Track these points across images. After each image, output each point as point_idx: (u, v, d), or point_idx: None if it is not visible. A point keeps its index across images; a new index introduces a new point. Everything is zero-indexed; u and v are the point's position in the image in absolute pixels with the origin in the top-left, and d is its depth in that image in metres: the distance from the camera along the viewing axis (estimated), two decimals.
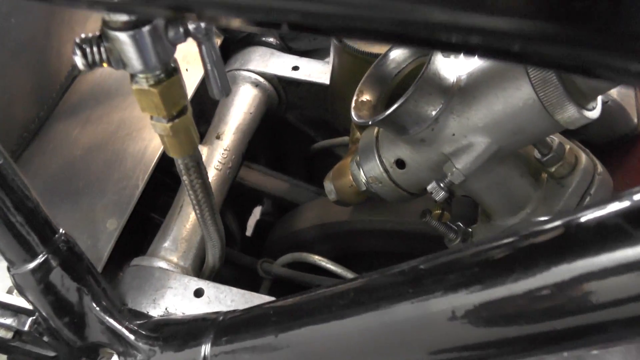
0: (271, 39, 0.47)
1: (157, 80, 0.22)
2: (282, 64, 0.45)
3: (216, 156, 0.40)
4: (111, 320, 0.29)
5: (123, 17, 0.20)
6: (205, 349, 0.25)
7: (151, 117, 0.24)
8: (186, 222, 0.36)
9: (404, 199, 0.31)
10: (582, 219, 0.16)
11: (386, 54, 0.29)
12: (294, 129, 0.49)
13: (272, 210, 0.54)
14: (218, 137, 0.41)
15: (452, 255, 0.19)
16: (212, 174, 0.40)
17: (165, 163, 0.38)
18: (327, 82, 0.43)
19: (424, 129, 0.27)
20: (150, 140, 0.40)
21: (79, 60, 0.21)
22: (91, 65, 0.22)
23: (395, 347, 0.20)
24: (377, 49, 0.33)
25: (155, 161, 0.38)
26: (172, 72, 0.23)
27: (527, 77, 0.23)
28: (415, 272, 0.19)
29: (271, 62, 0.45)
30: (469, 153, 0.26)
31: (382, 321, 0.19)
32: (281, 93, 0.45)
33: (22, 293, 0.28)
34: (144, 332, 0.28)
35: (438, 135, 0.27)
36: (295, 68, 0.45)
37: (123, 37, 0.20)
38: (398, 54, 0.29)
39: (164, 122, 0.24)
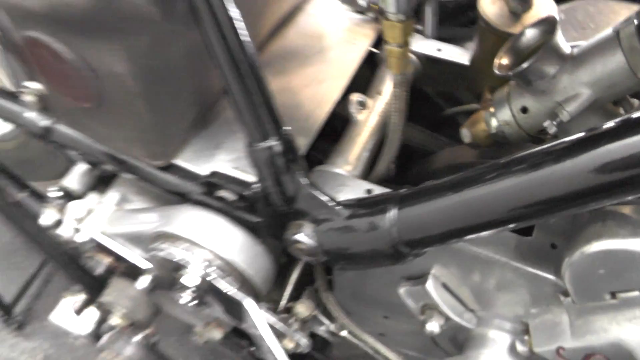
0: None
1: (400, 20, 0.40)
2: (428, 46, 0.61)
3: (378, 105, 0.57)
4: (313, 192, 0.45)
5: None
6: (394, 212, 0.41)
7: (386, 44, 0.43)
8: (357, 137, 0.53)
9: (523, 140, 0.46)
10: None
11: (522, 32, 0.45)
12: (427, 99, 0.66)
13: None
14: (378, 93, 0.58)
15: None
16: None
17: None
18: (466, 62, 0.59)
19: (545, 82, 0.42)
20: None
21: None
22: None
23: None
24: (516, 29, 0.49)
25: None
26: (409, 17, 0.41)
27: (620, 47, 0.38)
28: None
29: (420, 43, 0.62)
30: (576, 100, 0.41)
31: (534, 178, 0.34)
32: (425, 68, 0.62)
33: (255, 165, 0.45)
34: (339, 202, 0.45)
35: (554, 87, 0.42)
36: (439, 50, 0.61)
37: None
38: (531, 33, 0.44)
39: (396, 47, 0.41)
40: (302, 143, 0.50)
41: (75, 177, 0.65)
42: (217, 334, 0.61)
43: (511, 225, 0.38)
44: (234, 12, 0.40)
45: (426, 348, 0.57)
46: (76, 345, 1.12)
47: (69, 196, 0.65)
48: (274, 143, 0.44)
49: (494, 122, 0.47)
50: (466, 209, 0.38)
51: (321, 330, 0.60)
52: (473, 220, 0.38)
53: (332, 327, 0.59)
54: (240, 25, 0.41)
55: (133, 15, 0.39)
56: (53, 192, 0.64)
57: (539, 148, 0.36)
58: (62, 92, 0.48)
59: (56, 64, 0.45)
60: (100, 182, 0.67)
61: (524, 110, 0.45)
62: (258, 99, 0.43)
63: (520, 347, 0.47)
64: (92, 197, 0.63)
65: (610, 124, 0.33)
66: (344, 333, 0.61)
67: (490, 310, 0.50)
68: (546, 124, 0.42)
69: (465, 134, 0.50)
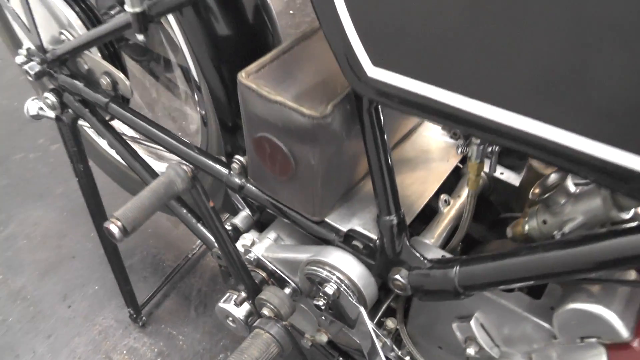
0: None
1: (477, 162, 0.72)
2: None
3: None
4: (411, 250, 0.76)
5: None
6: (457, 268, 0.71)
7: (467, 168, 0.74)
8: (441, 223, 0.85)
9: (543, 240, 0.76)
10: None
11: (549, 175, 0.75)
12: (489, 205, 0.96)
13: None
14: (459, 196, 0.89)
15: None
16: None
17: None
18: (517, 184, 0.89)
19: (557, 208, 0.72)
20: None
21: None
22: None
23: None
24: (547, 172, 0.80)
25: None
26: (482, 160, 0.72)
27: (600, 194, 0.68)
28: None
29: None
30: (573, 222, 0.70)
31: None
32: (491, 184, 0.93)
33: (379, 229, 0.77)
34: (426, 259, 0.76)
35: (562, 212, 0.71)
36: (501, 173, 0.92)
37: None
38: (554, 177, 0.75)
39: (473, 176, 0.73)
40: (407, 219, 0.82)
41: (241, 218, 0.99)
42: (324, 338, 0.92)
43: (529, 282, 0.67)
44: (382, 131, 0.72)
45: None
46: (183, 347, 1.44)
47: (236, 230, 0.99)
48: (393, 218, 0.75)
49: (526, 227, 0.77)
50: (499, 270, 0.68)
51: (391, 355, 0.89)
52: (502, 277, 0.67)
53: (399, 352, 0.89)
54: (384, 140, 0.73)
55: (331, 135, 0.72)
56: (227, 226, 0.97)
57: (554, 240, 0.66)
58: (269, 167, 0.81)
59: (272, 151, 0.78)
60: (256, 224, 1.00)
61: (544, 222, 0.75)
62: (389, 188, 0.75)
63: None
64: (253, 233, 0.97)
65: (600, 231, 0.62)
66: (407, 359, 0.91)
67: (508, 346, 0.79)
68: (555, 232, 0.72)
69: (509, 232, 0.80)
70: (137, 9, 0.78)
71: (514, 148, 0.56)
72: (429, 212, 0.86)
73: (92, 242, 1.63)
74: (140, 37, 0.83)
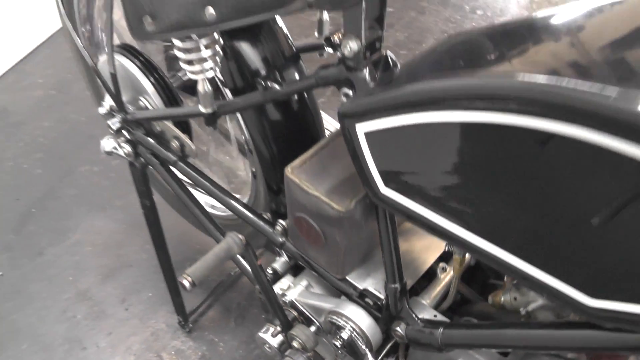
0: None
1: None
2: None
3: None
4: (409, 309, 1.00)
5: None
6: (441, 330, 0.95)
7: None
8: (437, 287, 1.08)
9: (514, 311, 0.99)
10: None
11: None
12: (482, 272, 1.19)
13: None
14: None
15: None
16: None
17: None
18: None
19: (524, 291, 0.94)
20: None
21: None
22: None
23: None
24: None
25: None
26: None
27: None
28: None
29: None
30: (535, 303, 0.93)
31: None
32: None
33: (386, 292, 1.00)
34: (419, 318, 0.99)
35: (527, 294, 0.94)
36: None
37: None
38: None
39: (458, 265, 0.96)
40: (409, 282, 1.05)
41: (280, 264, 1.23)
42: None
43: (496, 348, 0.90)
44: (393, 221, 0.96)
45: None
46: (222, 352, 1.70)
47: (276, 273, 1.23)
48: (397, 285, 0.98)
49: (502, 299, 0.99)
50: (472, 336, 0.91)
51: None
52: (474, 342, 0.90)
53: None
54: (394, 227, 0.96)
55: (353, 222, 0.96)
56: (269, 270, 1.22)
57: (517, 322, 0.89)
58: (305, 236, 1.05)
59: (308, 227, 1.02)
60: (291, 268, 1.25)
61: (515, 299, 0.97)
62: (395, 263, 0.98)
63: None
64: (289, 278, 1.21)
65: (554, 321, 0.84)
66: None
67: None
68: (522, 309, 0.95)
69: (490, 299, 1.03)
70: (209, 110, 1.03)
71: (482, 261, 0.78)
72: (431, 274, 1.09)
73: (147, 254, 1.89)
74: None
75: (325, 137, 1.05)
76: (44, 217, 2.10)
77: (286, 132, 1.13)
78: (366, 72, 0.86)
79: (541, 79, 0.59)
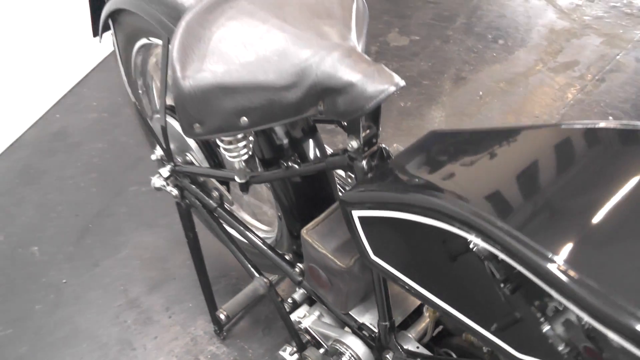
0: None
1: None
2: None
3: None
4: (396, 343, 1.28)
5: None
6: None
7: None
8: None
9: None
10: None
11: None
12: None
13: None
14: None
15: None
16: None
17: None
18: None
19: None
20: None
21: None
22: None
23: None
24: None
25: None
26: None
27: None
28: None
29: None
30: None
31: None
32: None
33: (378, 331, 1.28)
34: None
35: None
36: None
37: None
38: None
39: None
40: (399, 319, 1.33)
41: (298, 295, 1.53)
42: None
43: None
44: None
45: None
46: (252, 359, 2.01)
47: (295, 302, 1.52)
48: (387, 323, 1.26)
49: (471, 337, 1.26)
50: None
51: None
52: None
53: None
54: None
55: (353, 275, 1.24)
56: (289, 300, 1.51)
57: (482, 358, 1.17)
58: (316, 280, 1.34)
59: (318, 275, 1.31)
60: (306, 300, 1.54)
61: None
62: (385, 304, 1.26)
63: None
64: (305, 307, 1.50)
65: None
66: None
67: None
68: (483, 347, 1.22)
69: (463, 336, 1.30)
70: (243, 180, 1.32)
71: (442, 314, 1.06)
72: (420, 310, 1.37)
73: (188, 269, 2.20)
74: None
75: (335, 202, 1.33)
76: (99, 232, 2.43)
77: (305, 193, 1.41)
78: (364, 163, 1.13)
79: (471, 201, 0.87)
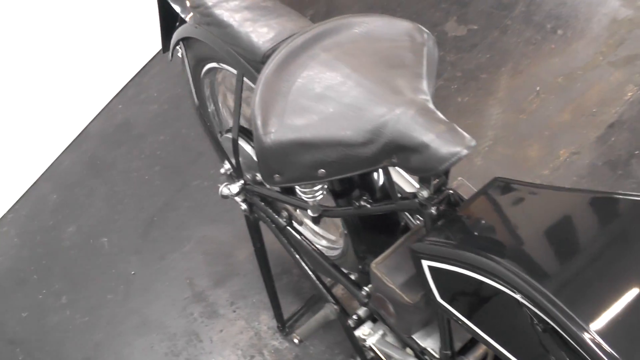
0: None
1: None
2: None
3: None
4: None
5: None
6: None
7: None
8: None
9: None
10: None
11: None
12: None
13: None
14: None
15: None
16: None
17: None
18: None
19: None
20: None
21: None
22: None
23: None
24: None
25: None
26: None
27: None
28: None
29: None
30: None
31: None
32: None
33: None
34: None
35: None
36: None
37: None
38: None
39: None
40: (458, 344, 1.44)
41: (363, 311, 1.64)
42: None
43: None
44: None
45: None
46: (312, 354, 2.15)
47: (359, 318, 1.64)
48: (449, 352, 1.37)
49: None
50: None
51: None
52: None
53: None
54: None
55: (418, 308, 1.35)
56: (354, 316, 1.63)
57: None
58: (381, 308, 1.45)
59: (384, 303, 1.42)
60: (370, 317, 1.65)
61: None
62: (447, 334, 1.36)
63: None
64: (369, 324, 1.62)
65: None
66: None
67: None
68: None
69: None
70: (316, 214, 1.42)
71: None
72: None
73: (252, 265, 2.33)
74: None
75: (403, 236, 1.43)
76: (164, 226, 2.58)
77: (374, 224, 1.51)
78: (433, 210, 1.22)
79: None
